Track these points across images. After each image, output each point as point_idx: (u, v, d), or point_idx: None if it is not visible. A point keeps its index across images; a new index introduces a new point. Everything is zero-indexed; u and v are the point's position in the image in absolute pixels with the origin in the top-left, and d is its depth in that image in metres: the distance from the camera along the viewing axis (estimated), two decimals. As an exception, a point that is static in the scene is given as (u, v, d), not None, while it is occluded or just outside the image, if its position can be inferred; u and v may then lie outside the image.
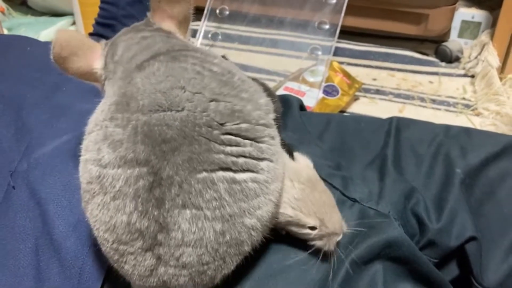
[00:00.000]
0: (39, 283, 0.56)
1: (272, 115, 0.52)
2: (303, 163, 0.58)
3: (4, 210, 0.61)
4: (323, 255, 0.54)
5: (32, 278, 0.57)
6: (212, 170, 0.45)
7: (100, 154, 0.46)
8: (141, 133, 0.45)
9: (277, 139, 0.52)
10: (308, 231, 0.53)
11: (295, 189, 0.53)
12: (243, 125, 0.48)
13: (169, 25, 0.60)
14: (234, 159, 0.46)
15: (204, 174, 0.45)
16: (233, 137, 0.47)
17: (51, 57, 0.56)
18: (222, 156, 0.46)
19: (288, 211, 0.53)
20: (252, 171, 0.47)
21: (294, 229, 0.54)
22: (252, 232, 0.47)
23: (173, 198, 0.44)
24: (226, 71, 0.51)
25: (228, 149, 0.46)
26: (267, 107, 0.52)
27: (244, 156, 0.47)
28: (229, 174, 0.46)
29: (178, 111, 0.46)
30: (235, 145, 0.47)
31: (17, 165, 0.64)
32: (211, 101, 0.47)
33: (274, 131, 0.51)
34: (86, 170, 0.48)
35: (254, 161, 0.48)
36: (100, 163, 0.46)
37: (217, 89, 0.48)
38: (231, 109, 0.48)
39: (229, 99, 0.48)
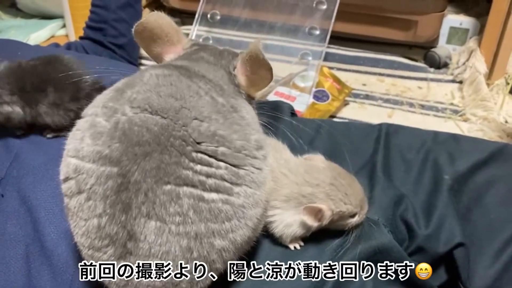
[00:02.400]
0: None
1: (263, 151, 0.51)
2: (322, 159, 0.60)
3: None
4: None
5: (22, 284, 0.57)
6: (178, 184, 0.45)
7: (82, 144, 0.47)
8: (121, 129, 0.46)
9: (264, 172, 0.51)
10: (350, 219, 0.56)
11: (344, 185, 0.56)
12: (221, 149, 0.47)
13: (242, 79, 0.59)
14: (202, 178, 0.46)
15: (170, 186, 0.45)
16: (205, 157, 0.46)
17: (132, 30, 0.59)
18: (189, 172, 0.45)
19: (343, 208, 0.55)
20: (223, 193, 0.46)
21: (341, 222, 0.56)
22: (223, 253, 0.47)
23: (138, 206, 0.44)
24: (229, 105, 0.51)
25: (198, 167, 0.46)
26: (259, 143, 0.51)
27: (215, 177, 0.46)
28: (197, 191, 0.45)
29: (162, 117, 0.47)
30: (207, 165, 0.46)
31: (6, 171, 0.64)
32: (195, 119, 0.47)
33: (260, 164, 0.50)
34: (66, 163, 0.48)
35: (227, 184, 0.47)
36: (79, 154, 0.47)
37: (206, 113, 0.48)
38: (213, 132, 0.47)
39: (215, 123, 0.48)
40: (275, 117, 0.76)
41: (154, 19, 0.59)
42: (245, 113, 0.53)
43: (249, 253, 0.52)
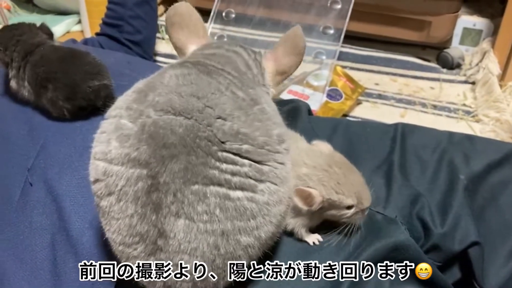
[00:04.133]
0: (55, 277, 0.58)
1: (284, 145, 0.52)
2: (328, 147, 0.61)
3: (21, 206, 0.62)
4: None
5: (49, 272, 0.58)
6: (205, 184, 0.46)
7: (109, 147, 0.48)
8: (147, 132, 0.47)
9: (287, 166, 0.52)
10: (345, 211, 0.56)
11: (337, 174, 0.55)
12: (245, 147, 0.48)
13: (268, 65, 0.63)
14: (228, 176, 0.47)
15: (197, 186, 0.46)
16: (230, 155, 0.47)
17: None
18: (216, 172, 0.46)
19: (333, 197, 0.55)
20: (248, 190, 0.47)
21: (333, 211, 0.56)
22: (249, 250, 0.48)
23: (168, 205, 0.46)
24: (249, 99, 0.52)
25: (224, 166, 0.47)
26: (280, 137, 0.52)
27: (240, 175, 0.47)
28: (223, 190, 0.46)
29: (186, 118, 0.48)
30: (232, 163, 0.47)
31: (33, 162, 0.66)
32: (218, 118, 0.48)
33: (283, 158, 0.51)
34: (94, 166, 0.49)
35: (252, 181, 0.48)
36: (107, 157, 0.48)
37: (228, 110, 0.49)
38: (237, 130, 0.48)
39: (238, 121, 0.49)
40: (293, 115, 0.77)
41: (185, 6, 0.63)
42: (265, 105, 0.54)
43: (273, 248, 0.53)
